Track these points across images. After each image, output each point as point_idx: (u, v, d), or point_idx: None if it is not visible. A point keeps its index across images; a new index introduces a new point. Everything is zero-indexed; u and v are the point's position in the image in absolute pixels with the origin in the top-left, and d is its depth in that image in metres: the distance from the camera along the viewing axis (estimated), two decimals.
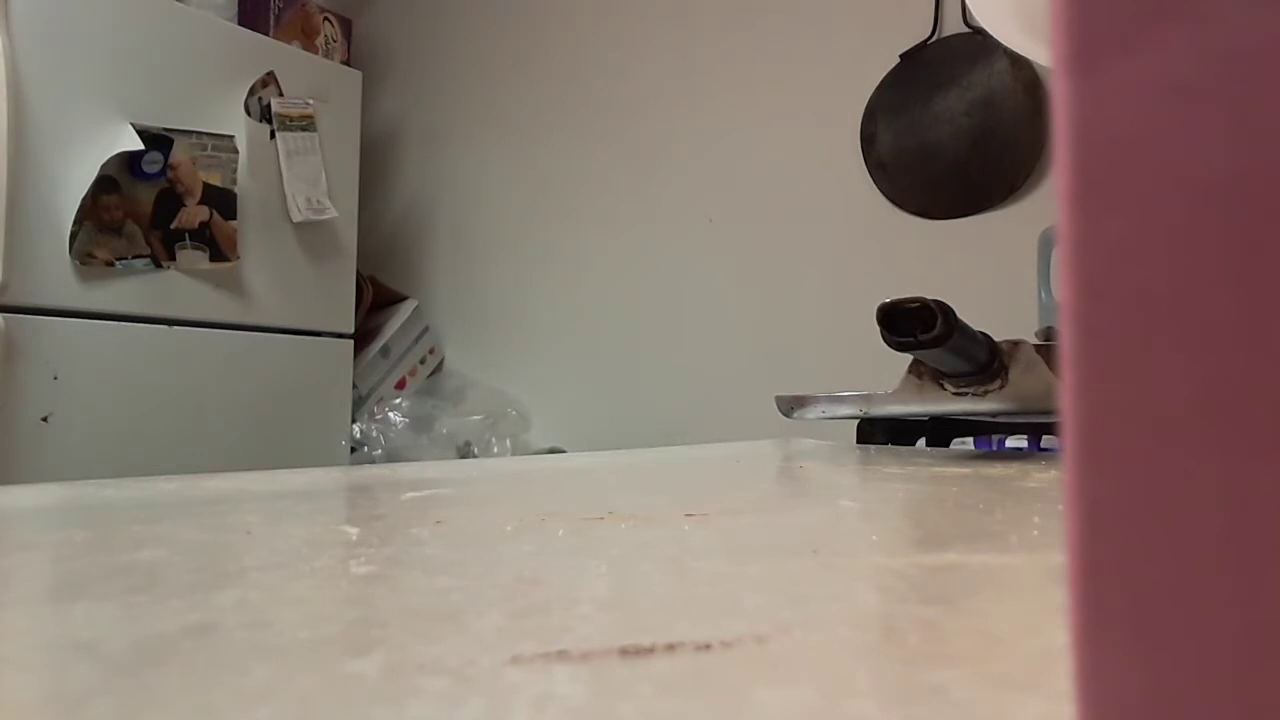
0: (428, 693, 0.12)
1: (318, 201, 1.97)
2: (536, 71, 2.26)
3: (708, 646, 0.14)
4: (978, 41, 1.70)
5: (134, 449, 1.66)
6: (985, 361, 0.57)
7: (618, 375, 2.09)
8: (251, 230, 1.85)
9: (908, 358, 0.59)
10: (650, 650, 0.14)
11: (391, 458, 1.98)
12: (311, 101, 1.96)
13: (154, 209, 1.69)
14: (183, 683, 0.13)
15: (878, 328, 0.49)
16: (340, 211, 2.02)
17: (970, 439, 0.84)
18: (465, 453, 1.98)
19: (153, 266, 1.69)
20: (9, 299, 1.51)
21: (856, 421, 0.75)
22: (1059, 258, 0.08)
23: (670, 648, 0.14)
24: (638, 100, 2.11)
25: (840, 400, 0.66)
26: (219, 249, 1.79)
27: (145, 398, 1.69)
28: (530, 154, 2.26)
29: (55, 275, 1.57)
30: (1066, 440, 0.09)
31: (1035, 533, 0.27)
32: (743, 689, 0.13)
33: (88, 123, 1.61)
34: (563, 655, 0.14)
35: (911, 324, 0.49)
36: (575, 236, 2.18)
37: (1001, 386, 0.58)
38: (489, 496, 0.36)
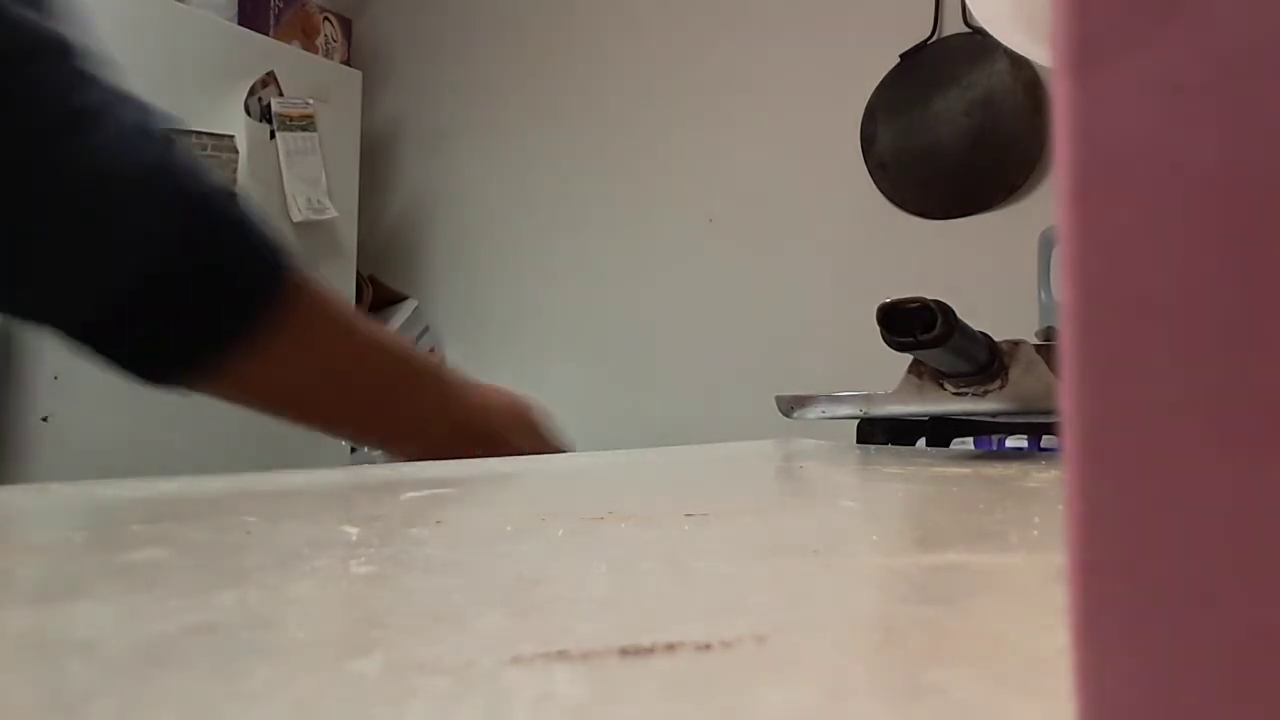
0: (428, 693, 0.12)
1: (318, 201, 1.97)
2: (537, 71, 2.26)
3: (708, 646, 0.14)
4: (978, 41, 1.70)
5: (134, 449, 1.66)
6: (985, 361, 0.57)
7: (618, 375, 2.09)
8: None
9: (908, 358, 0.59)
10: (650, 650, 0.14)
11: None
12: (311, 101, 1.96)
13: None
14: (183, 683, 0.13)
15: (878, 328, 0.49)
16: (340, 211, 2.02)
17: (970, 439, 0.83)
18: None
19: None
20: None
21: (856, 421, 0.75)
22: (1059, 258, 0.08)
23: (670, 648, 0.14)
24: (638, 100, 2.11)
25: (840, 400, 0.66)
26: None
27: (145, 398, 1.68)
28: (530, 154, 2.26)
29: None
30: (1066, 440, 0.09)
31: (1035, 533, 0.27)
32: (743, 689, 0.13)
33: None
34: (563, 655, 0.14)
35: (911, 324, 0.49)
36: (575, 236, 2.18)
37: (1001, 386, 0.58)
38: (489, 496, 0.36)
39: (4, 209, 0.45)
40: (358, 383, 0.58)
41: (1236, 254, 0.07)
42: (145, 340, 0.51)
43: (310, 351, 0.55)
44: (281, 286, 0.52)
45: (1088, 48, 0.08)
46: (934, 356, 0.55)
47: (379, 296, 2.27)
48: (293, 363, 0.54)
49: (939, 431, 0.76)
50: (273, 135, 1.89)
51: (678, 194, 2.04)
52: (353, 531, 0.26)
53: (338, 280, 2.05)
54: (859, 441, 0.77)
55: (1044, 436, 0.81)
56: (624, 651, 0.14)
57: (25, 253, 0.46)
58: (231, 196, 0.53)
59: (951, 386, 0.59)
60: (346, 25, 2.27)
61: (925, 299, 0.48)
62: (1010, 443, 0.89)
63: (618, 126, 2.14)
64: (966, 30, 1.73)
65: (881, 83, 1.83)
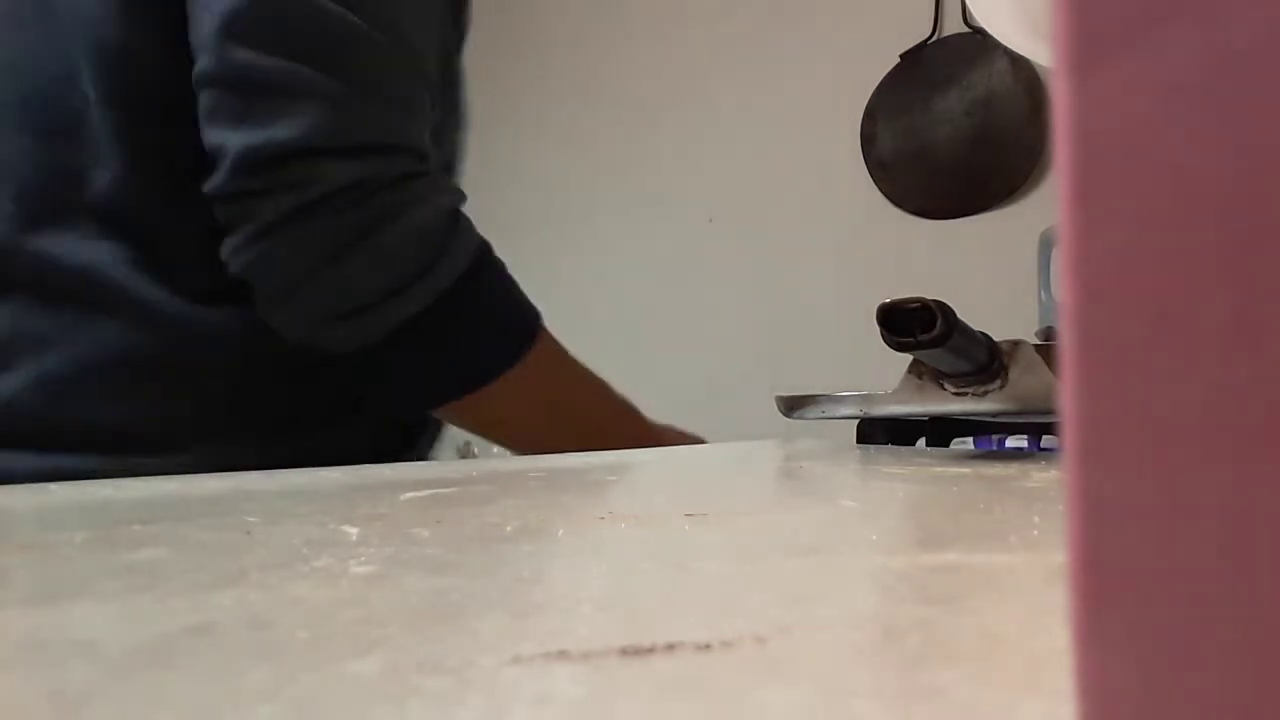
0: (428, 693, 0.12)
1: None
2: (536, 72, 2.26)
3: (708, 646, 0.14)
4: (978, 41, 1.70)
5: None
6: (985, 361, 0.57)
7: (617, 375, 2.08)
8: None
9: (908, 358, 0.59)
10: (650, 650, 0.14)
11: None
12: None
13: None
14: (183, 683, 0.13)
15: (878, 328, 0.49)
16: None
17: (970, 439, 0.84)
18: (465, 453, 1.98)
19: None
20: None
21: (856, 421, 0.75)
22: (1059, 258, 0.08)
23: (670, 648, 0.14)
24: (637, 100, 2.11)
25: (840, 400, 0.66)
26: None
27: None
28: (530, 154, 2.26)
29: None
30: (1066, 440, 0.09)
31: (1035, 533, 0.27)
32: (743, 689, 0.13)
33: None
34: (563, 655, 0.14)
35: (911, 324, 0.49)
36: (575, 236, 2.18)
37: (1001, 386, 0.58)
38: (489, 496, 0.36)
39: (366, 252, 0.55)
40: (566, 418, 0.68)
41: (1237, 254, 0.07)
42: (428, 375, 0.61)
43: (534, 391, 0.65)
44: (535, 337, 0.63)
45: (1087, 47, 0.08)
46: (934, 356, 0.55)
47: None
48: (518, 400, 0.64)
49: (939, 431, 0.76)
50: None
51: (678, 194, 2.04)
52: (353, 531, 0.26)
53: None
54: (859, 441, 0.77)
55: (1044, 436, 0.82)
56: (624, 651, 0.14)
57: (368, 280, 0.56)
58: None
59: (951, 386, 0.59)
60: None
61: (925, 299, 0.48)
62: (1010, 443, 0.89)
63: (617, 126, 2.14)
64: (966, 30, 1.73)
65: (881, 83, 1.83)
